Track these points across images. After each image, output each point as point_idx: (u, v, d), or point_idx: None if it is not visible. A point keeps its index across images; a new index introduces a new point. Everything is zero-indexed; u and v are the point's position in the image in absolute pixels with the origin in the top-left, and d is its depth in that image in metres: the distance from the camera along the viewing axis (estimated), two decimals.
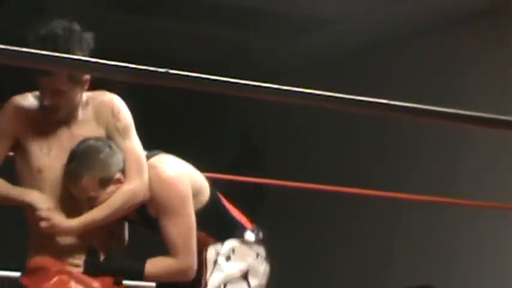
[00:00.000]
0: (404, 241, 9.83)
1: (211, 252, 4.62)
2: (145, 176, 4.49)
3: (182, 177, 4.56)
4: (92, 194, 4.41)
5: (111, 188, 4.43)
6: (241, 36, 10.30)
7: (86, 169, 4.38)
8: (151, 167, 4.51)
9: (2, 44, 2.27)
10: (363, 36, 10.22)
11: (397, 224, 9.66)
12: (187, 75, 2.44)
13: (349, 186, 7.70)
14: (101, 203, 4.43)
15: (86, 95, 4.56)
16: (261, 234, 4.75)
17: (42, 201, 4.47)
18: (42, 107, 4.53)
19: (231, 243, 4.65)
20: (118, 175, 4.43)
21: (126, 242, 4.80)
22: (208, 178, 4.74)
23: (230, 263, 4.68)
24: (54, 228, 4.43)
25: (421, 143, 9.84)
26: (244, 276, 4.68)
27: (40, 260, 4.57)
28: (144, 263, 4.56)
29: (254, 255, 4.73)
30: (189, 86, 2.56)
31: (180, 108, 11.55)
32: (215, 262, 4.63)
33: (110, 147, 4.45)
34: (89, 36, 4.41)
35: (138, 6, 9.77)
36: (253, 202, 11.04)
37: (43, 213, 4.40)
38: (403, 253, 9.81)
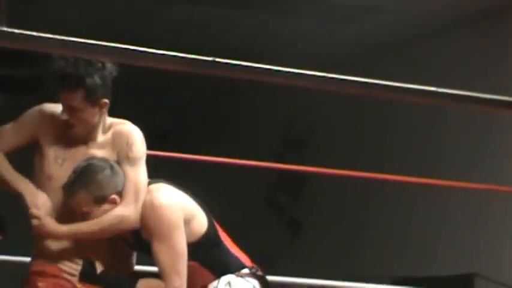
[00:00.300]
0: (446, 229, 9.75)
1: None
2: (140, 204, 4.56)
3: (173, 206, 4.61)
4: (85, 209, 4.49)
5: (105, 206, 4.50)
6: (289, 23, 10.17)
7: (82, 185, 4.47)
8: (147, 193, 4.58)
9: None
10: (410, 26, 10.05)
11: (441, 209, 9.60)
12: (233, 64, 2.38)
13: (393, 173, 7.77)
14: (94, 218, 4.51)
15: (110, 121, 4.68)
16: (259, 272, 4.77)
17: (38, 200, 4.60)
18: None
19: (227, 277, 4.70)
20: (113, 196, 4.50)
21: (133, 267, 4.91)
22: (206, 210, 4.78)
23: None
24: (42, 229, 4.54)
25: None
26: None
27: (39, 264, 4.70)
28: (136, 281, 4.71)
29: (251, 286, 4.76)
30: (234, 74, 2.50)
31: (226, 96, 11.50)
32: None
33: (112, 169, 4.53)
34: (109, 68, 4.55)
35: None
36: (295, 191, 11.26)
37: (34, 212, 4.49)
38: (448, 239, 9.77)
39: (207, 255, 4.72)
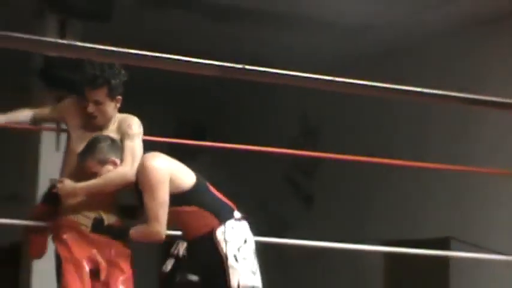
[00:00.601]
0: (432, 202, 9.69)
1: (219, 233, 4.82)
2: (135, 166, 4.88)
3: (159, 166, 4.85)
4: (94, 170, 4.89)
5: (108, 167, 4.91)
6: None
7: (89, 151, 4.91)
8: (142, 158, 4.93)
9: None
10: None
11: (424, 184, 9.57)
12: (259, 70, 2.43)
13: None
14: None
15: (118, 115, 5.14)
16: (243, 213, 4.98)
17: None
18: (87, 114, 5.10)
19: (230, 223, 4.85)
20: (113, 159, 4.90)
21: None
22: (196, 172, 5.00)
23: (234, 235, 4.87)
24: (63, 188, 4.94)
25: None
26: (245, 241, 4.87)
27: (61, 220, 5.09)
28: (130, 228, 4.93)
29: (246, 225, 4.95)
30: (261, 79, 2.57)
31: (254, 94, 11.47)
32: (225, 240, 4.82)
33: (112, 141, 4.96)
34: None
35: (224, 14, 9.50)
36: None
37: (58, 182, 5.01)
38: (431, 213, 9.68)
39: (204, 199, 4.93)
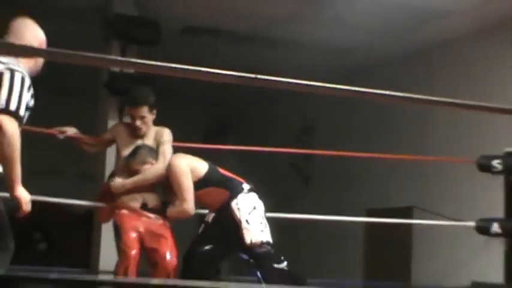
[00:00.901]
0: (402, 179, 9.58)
1: (233, 204, 4.96)
2: (166, 164, 5.08)
3: (181, 163, 5.01)
4: (136, 168, 5.14)
5: (146, 166, 5.13)
6: None
7: (133, 157, 5.14)
8: (170, 158, 5.12)
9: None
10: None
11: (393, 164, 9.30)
12: (268, 79, 2.43)
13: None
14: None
15: (153, 128, 5.27)
16: (252, 184, 5.06)
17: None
18: (130, 127, 5.28)
19: (241, 196, 4.98)
20: (150, 160, 5.13)
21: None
22: (208, 161, 5.13)
23: (245, 204, 4.97)
24: (115, 184, 5.16)
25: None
26: (254, 207, 4.96)
27: (118, 201, 5.21)
28: (167, 208, 5.10)
29: (254, 196, 5.04)
30: (271, 86, 2.57)
31: (265, 100, 11.47)
32: (238, 209, 4.94)
33: (150, 149, 5.17)
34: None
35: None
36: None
37: (111, 181, 5.22)
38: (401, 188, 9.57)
39: (216, 180, 5.05)
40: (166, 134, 5.24)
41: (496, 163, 7.41)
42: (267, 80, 2.43)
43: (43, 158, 10.41)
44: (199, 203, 5.13)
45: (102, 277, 7.10)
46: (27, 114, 3.54)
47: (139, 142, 5.23)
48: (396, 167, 9.03)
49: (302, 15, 8.41)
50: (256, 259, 4.88)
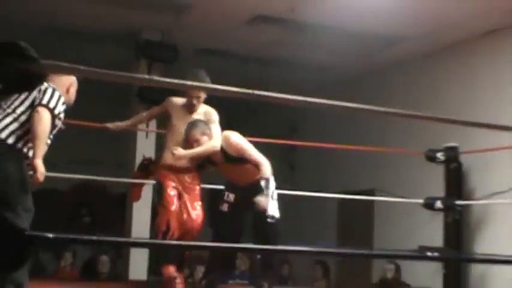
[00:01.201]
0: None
1: (262, 182, 4.67)
2: (219, 139, 4.74)
3: (235, 135, 4.79)
4: (197, 138, 4.70)
5: (204, 137, 4.70)
6: None
7: (194, 128, 4.72)
8: (224, 134, 4.79)
9: None
10: None
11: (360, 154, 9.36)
12: (263, 95, 2.37)
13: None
14: (200, 145, 4.70)
15: (203, 106, 4.92)
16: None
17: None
18: (186, 103, 4.88)
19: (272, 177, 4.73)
20: (207, 131, 4.71)
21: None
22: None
23: (271, 183, 4.72)
24: (179, 152, 4.68)
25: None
26: (275, 187, 4.76)
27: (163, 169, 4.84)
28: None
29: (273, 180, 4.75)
30: (268, 100, 2.48)
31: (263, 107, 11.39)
32: (265, 187, 4.65)
33: (205, 123, 4.77)
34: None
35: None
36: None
37: (174, 149, 4.70)
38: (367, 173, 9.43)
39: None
40: (215, 114, 4.88)
41: (439, 155, 7.48)
42: (262, 95, 2.37)
43: (87, 151, 10.62)
44: (230, 175, 4.82)
45: (133, 239, 7.11)
46: (60, 123, 3.77)
47: (194, 117, 4.85)
48: (362, 157, 8.90)
49: (288, 41, 8.43)
50: (265, 227, 4.62)
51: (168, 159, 4.81)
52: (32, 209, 3.54)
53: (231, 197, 4.78)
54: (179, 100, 4.94)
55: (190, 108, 4.84)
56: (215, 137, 4.74)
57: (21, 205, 3.42)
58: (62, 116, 3.78)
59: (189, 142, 4.71)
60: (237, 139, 4.76)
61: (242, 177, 4.76)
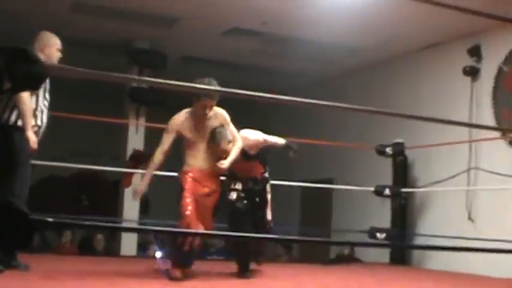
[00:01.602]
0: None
1: (267, 175, 4.61)
2: (240, 139, 4.42)
3: (252, 134, 4.52)
4: (225, 147, 4.31)
5: (230, 145, 4.33)
6: None
7: (221, 138, 4.31)
8: (241, 136, 4.46)
9: None
10: None
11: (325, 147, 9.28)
12: (258, 95, 2.18)
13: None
14: (228, 152, 4.33)
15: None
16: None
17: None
18: (194, 113, 4.35)
19: (269, 182, 4.66)
20: (231, 138, 4.34)
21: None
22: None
23: (269, 177, 4.67)
24: (225, 164, 4.26)
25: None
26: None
27: (189, 169, 4.37)
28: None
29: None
30: (258, 100, 2.38)
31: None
32: (268, 180, 4.61)
33: (224, 129, 4.34)
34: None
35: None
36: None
37: (220, 164, 4.28)
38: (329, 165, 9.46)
39: (260, 157, 4.59)
40: (226, 115, 4.41)
41: (388, 149, 7.55)
42: (258, 96, 2.18)
43: (87, 144, 10.61)
44: (239, 169, 4.50)
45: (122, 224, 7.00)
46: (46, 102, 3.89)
47: (208, 123, 4.36)
48: (323, 150, 8.79)
49: (262, 50, 8.38)
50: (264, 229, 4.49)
51: (203, 165, 4.37)
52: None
53: (238, 185, 4.50)
54: (181, 115, 4.37)
55: (202, 117, 4.33)
56: (238, 139, 4.41)
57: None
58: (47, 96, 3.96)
59: (219, 154, 4.32)
60: (254, 137, 4.51)
61: (250, 172, 4.56)
